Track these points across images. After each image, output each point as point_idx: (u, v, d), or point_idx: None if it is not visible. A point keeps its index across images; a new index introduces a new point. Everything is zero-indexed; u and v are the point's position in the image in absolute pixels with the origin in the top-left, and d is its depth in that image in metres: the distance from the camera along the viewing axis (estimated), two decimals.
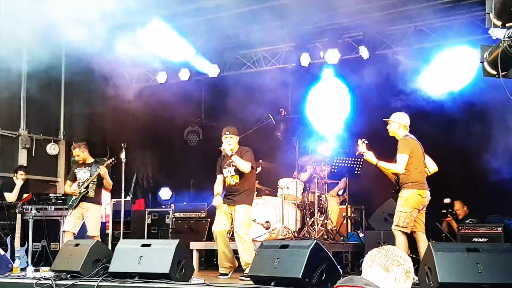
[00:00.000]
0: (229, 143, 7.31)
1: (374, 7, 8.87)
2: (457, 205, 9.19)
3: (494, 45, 4.79)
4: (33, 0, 8.23)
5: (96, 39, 10.77)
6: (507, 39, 4.46)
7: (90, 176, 8.29)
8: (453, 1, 9.07)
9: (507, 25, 4.65)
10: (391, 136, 6.97)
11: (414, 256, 7.11)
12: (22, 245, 8.80)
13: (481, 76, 4.99)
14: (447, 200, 8.90)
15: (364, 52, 9.80)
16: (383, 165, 6.82)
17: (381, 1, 8.84)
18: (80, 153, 8.43)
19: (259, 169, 9.39)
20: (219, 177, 7.57)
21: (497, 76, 4.71)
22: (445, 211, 8.89)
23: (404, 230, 6.56)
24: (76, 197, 8.25)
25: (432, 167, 6.97)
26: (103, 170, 8.18)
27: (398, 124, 6.89)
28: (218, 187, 7.55)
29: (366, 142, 6.92)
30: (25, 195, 9.42)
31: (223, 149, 7.33)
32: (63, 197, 9.44)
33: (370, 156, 6.85)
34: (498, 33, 4.64)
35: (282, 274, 5.41)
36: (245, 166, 7.23)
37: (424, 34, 9.72)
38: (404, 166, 6.62)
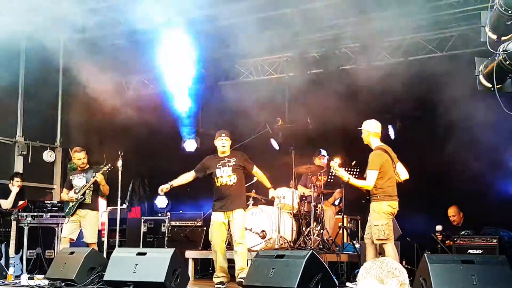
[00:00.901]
0: (224, 145, 7.32)
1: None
2: (453, 211, 9.12)
3: (489, 58, 4.83)
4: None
5: (92, 47, 10.86)
6: (502, 52, 4.50)
7: (86, 182, 8.28)
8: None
9: (503, 38, 4.70)
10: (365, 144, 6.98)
11: (409, 267, 7.14)
12: (16, 252, 8.78)
13: None
14: (439, 227, 8.85)
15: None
16: (354, 181, 6.88)
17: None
18: (85, 156, 8.41)
19: (255, 178, 9.40)
20: (191, 173, 7.62)
21: (492, 89, 4.74)
22: (437, 232, 8.85)
23: (387, 242, 6.59)
24: (73, 204, 8.23)
25: (403, 175, 6.96)
26: (99, 177, 8.16)
27: (367, 132, 6.90)
28: (181, 178, 7.68)
29: (338, 162, 6.93)
30: (20, 202, 9.38)
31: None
32: (59, 205, 9.43)
33: (342, 173, 6.90)
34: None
35: (277, 284, 5.41)
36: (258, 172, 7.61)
37: None
38: (373, 182, 6.66)
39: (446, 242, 8.57)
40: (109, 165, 8.36)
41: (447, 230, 8.82)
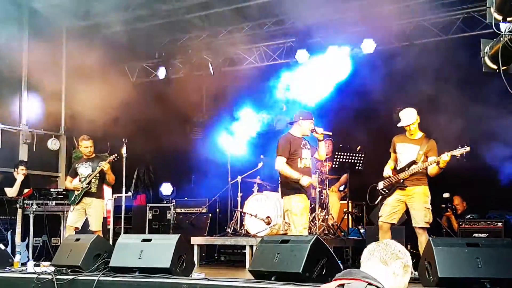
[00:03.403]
0: (312, 128, 7.05)
1: None
2: (457, 200, 9.22)
3: (494, 39, 4.78)
4: None
5: (97, 32, 10.85)
6: (508, 33, 4.44)
7: (92, 171, 8.29)
8: None
9: (508, 19, 4.64)
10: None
11: (414, 251, 7.13)
12: (23, 240, 8.82)
13: None
14: (446, 195, 8.89)
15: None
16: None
17: None
18: (92, 144, 8.40)
19: (260, 164, 9.41)
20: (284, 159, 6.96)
21: (497, 70, 4.69)
22: (444, 206, 8.89)
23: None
24: (79, 192, 8.25)
25: None
26: (106, 167, 8.16)
27: (417, 119, 6.76)
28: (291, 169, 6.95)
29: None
30: (25, 190, 9.41)
31: (320, 133, 7.03)
32: (64, 192, 9.45)
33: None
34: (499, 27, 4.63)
35: (282, 269, 5.40)
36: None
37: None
38: None
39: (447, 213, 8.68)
40: (115, 154, 8.34)
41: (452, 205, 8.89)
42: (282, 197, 7.18)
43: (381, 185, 6.95)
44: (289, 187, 6.96)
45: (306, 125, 7.05)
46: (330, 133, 7.38)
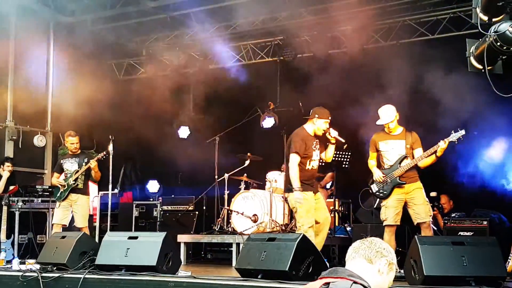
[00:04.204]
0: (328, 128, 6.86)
1: None
2: (443, 199, 9.28)
3: (480, 39, 4.82)
4: None
5: (84, 28, 10.79)
6: (493, 33, 4.48)
7: (78, 167, 8.25)
8: None
9: (494, 20, 4.68)
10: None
11: (400, 249, 7.17)
12: (8, 237, 8.76)
13: None
14: (433, 194, 8.95)
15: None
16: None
17: None
18: (78, 141, 8.35)
19: (247, 162, 9.41)
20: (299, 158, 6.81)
21: (482, 70, 4.73)
22: (431, 204, 8.94)
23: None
24: (65, 188, 8.20)
25: None
26: (93, 164, 8.12)
27: (396, 116, 6.75)
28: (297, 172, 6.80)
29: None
30: (11, 187, 9.34)
31: (334, 137, 6.81)
32: (50, 189, 9.38)
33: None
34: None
35: (269, 267, 5.42)
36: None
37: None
38: None
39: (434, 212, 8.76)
40: (104, 152, 8.27)
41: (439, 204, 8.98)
42: (286, 193, 6.99)
43: (375, 187, 6.84)
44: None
45: (320, 124, 6.85)
46: (343, 141, 7.00)
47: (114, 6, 10.20)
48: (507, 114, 8.20)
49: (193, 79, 11.84)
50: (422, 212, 6.58)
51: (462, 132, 6.35)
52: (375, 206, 7.06)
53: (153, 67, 11.75)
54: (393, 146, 6.78)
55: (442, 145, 6.40)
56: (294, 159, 6.79)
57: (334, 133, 6.85)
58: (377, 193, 6.84)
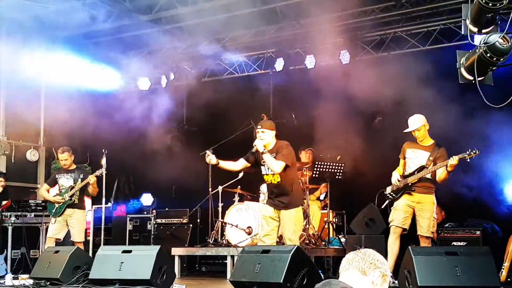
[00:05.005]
0: (261, 138, 6.58)
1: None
2: (436, 210, 9.28)
3: (470, 51, 4.87)
4: None
5: (79, 42, 10.81)
6: (483, 45, 4.53)
7: (74, 182, 8.20)
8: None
9: (483, 31, 4.73)
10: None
11: None
12: (1, 252, 8.70)
13: None
14: None
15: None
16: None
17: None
18: (68, 157, 8.30)
19: (240, 174, 9.40)
20: (241, 161, 6.80)
21: (473, 81, 4.78)
22: None
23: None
24: (61, 205, 8.15)
25: None
26: (92, 180, 8.05)
27: (425, 125, 6.85)
28: (236, 164, 6.83)
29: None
30: (4, 202, 9.30)
31: (255, 145, 6.57)
32: (43, 204, 9.34)
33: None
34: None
35: (263, 279, 5.41)
36: (275, 166, 6.40)
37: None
38: None
39: None
40: (102, 169, 8.14)
41: None
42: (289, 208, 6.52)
43: (388, 189, 7.01)
44: (301, 196, 6.80)
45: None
46: (255, 145, 6.62)
47: (106, 20, 10.21)
48: (498, 124, 8.24)
49: (186, 92, 11.86)
50: (425, 226, 6.66)
51: (477, 152, 6.37)
52: (382, 207, 7.15)
53: (146, 80, 11.76)
54: (418, 155, 6.87)
55: (452, 161, 6.43)
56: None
57: (255, 142, 6.64)
58: (388, 194, 6.99)
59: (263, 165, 6.65)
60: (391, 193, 6.93)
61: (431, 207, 6.71)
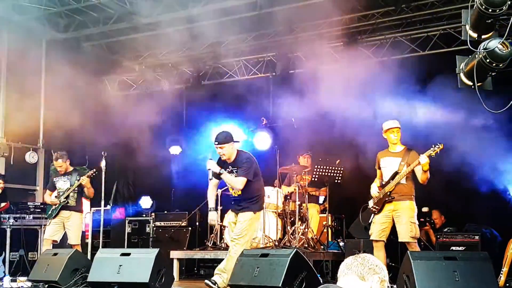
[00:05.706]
0: (221, 153, 6.59)
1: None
2: (435, 215, 9.33)
3: (469, 56, 4.88)
4: None
5: (77, 44, 10.82)
6: (482, 50, 4.54)
7: (70, 185, 8.20)
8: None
9: (483, 37, 4.75)
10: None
11: (392, 264, 7.17)
12: None
13: None
14: (425, 209, 8.98)
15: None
16: None
17: None
18: (63, 164, 8.28)
19: None
20: (213, 182, 6.86)
21: (472, 87, 4.79)
22: (423, 220, 8.97)
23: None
24: (56, 206, 8.15)
25: None
26: (84, 181, 8.05)
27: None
28: (210, 194, 6.94)
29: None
30: (2, 204, 9.29)
31: (209, 170, 6.60)
32: (42, 206, 9.35)
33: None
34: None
35: (262, 283, 5.40)
36: (235, 184, 6.52)
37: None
38: None
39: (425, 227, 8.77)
40: (94, 169, 8.19)
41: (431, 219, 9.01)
42: (255, 212, 6.69)
43: (371, 203, 6.95)
44: (260, 205, 6.85)
45: None
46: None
47: (106, 22, 10.23)
48: (497, 129, 8.27)
49: (186, 95, 11.87)
50: (403, 232, 6.60)
51: (440, 146, 6.42)
52: (369, 221, 7.10)
53: (146, 83, 11.79)
54: (390, 163, 6.85)
55: (422, 160, 6.42)
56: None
57: (208, 165, 6.65)
58: (371, 208, 6.92)
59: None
60: (374, 206, 6.86)
61: (407, 212, 6.64)
